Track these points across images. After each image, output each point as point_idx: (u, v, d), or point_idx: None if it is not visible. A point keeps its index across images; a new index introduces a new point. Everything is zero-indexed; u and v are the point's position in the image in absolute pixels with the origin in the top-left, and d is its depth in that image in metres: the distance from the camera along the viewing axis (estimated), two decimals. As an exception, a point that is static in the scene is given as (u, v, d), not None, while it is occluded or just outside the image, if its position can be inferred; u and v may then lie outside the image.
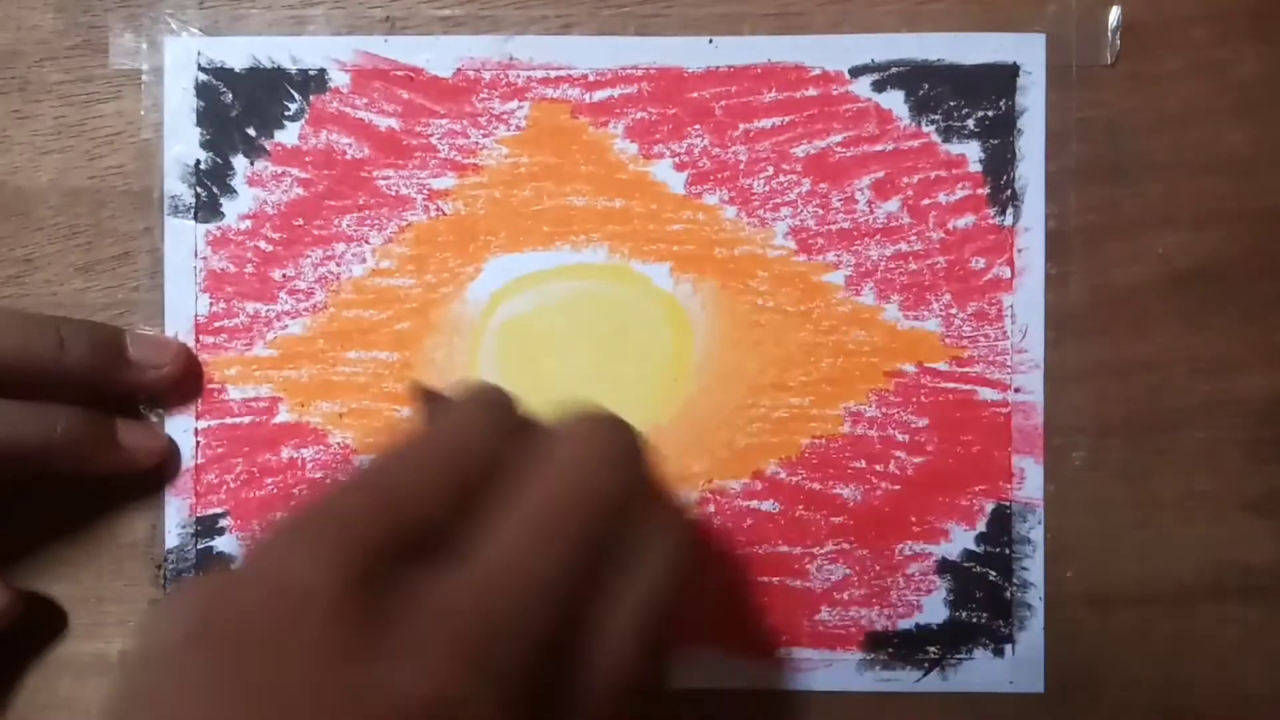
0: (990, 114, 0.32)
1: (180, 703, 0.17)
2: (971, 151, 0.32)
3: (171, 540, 0.32)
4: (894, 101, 0.32)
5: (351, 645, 0.17)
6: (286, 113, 0.32)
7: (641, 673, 0.20)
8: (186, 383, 0.32)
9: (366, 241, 0.32)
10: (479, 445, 0.21)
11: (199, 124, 0.32)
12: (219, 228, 0.32)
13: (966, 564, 0.32)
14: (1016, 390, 0.32)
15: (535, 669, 0.18)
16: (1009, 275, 0.32)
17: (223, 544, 0.32)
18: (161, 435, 0.32)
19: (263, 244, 0.32)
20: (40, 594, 0.32)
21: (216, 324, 0.32)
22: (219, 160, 0.32)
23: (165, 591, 0.32)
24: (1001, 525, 0.32)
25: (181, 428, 0.32)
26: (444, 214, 0.32)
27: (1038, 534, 0.32)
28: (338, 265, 0.32)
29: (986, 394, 0.32)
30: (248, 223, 0.32)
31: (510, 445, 0.21)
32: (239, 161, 0.32)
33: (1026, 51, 0.32)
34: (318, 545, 0.18)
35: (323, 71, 0.32)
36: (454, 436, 0.21)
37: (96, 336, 0.31)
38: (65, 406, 0.30)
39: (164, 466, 0.32)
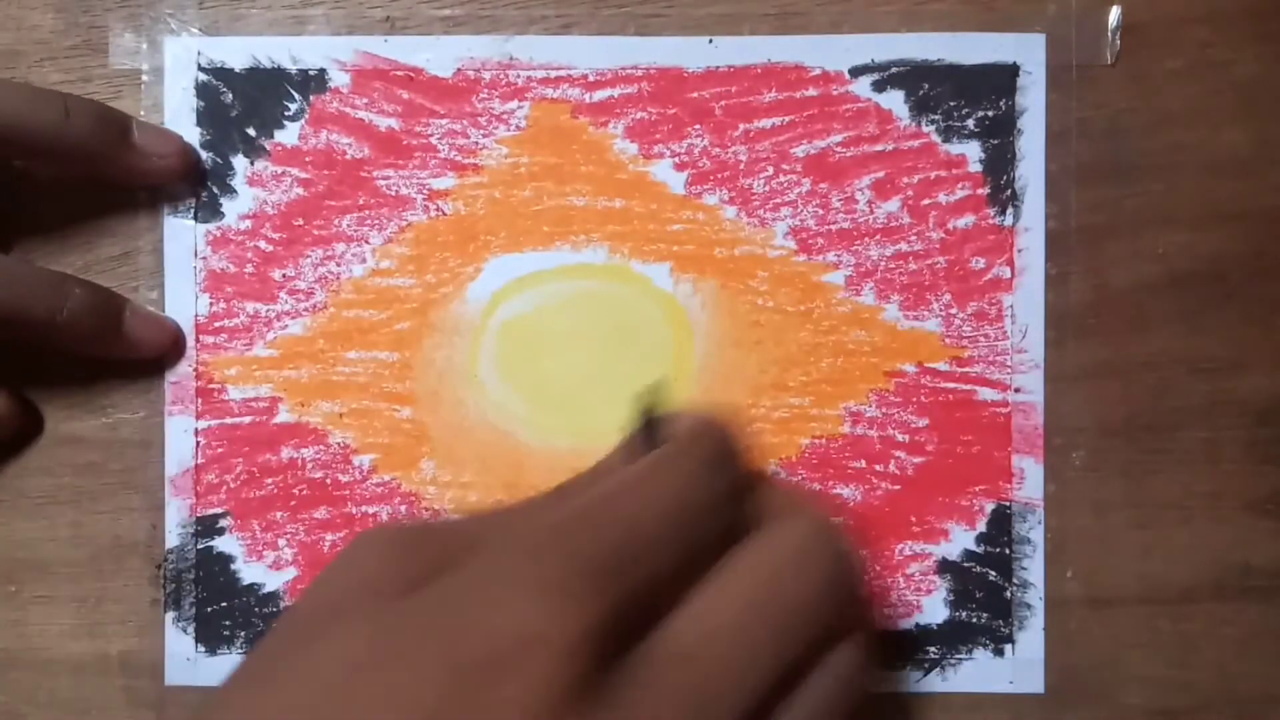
0: (990, 114, 0.32)
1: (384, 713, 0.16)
2: (971, 151, 0.32)
3: (171, 540, 0.32)
4: (894, 101, 0.32)
5: (582, 695, 0.16)
6: (286, 113, 0.32)
7: None
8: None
9: (366, 241, 0.32)
10: (710, 503, 0.20)
11: (199, 124, 0.32)
12: (219, 228, 0.32)
13: (966, 564, 0.32)
14: (1016, 390, 0.32)
15: None
16: (1009, 275, 0.32)
17: (223, 544, 0.32)
18: (167, 325, 0.32)
19: (263, 244, 0.32)
20: (41, 593, 0.32)
21: (216, 324, 0.32)
22: (219, 160, 0.32)
23: (165, 592, 0.32)
24: (1001, 525, 0.32)
25: (181, 428, 0.32)
26: (444, 214, 0.32)
27: (1038, 534, 0.32)
28: (338, 265, 0.32)
29: (986, 394, 0.32)
30: (248, 223, 0.32)
31: (738, 506, 0.21)
32: (239, 161, 0.32)
33: (1026, 51, 0.32)
34: (560, 594, 0.17)
35: (323, 71, 0.32)
36: (690, 489, 0.20)
37: (102, 113, 0.31)
38: (78, 281, 0.30)
39: (164, 361, 0.32)
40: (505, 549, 0.18)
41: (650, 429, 0.23)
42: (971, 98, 0.32)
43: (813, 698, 0.19)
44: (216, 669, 0.32)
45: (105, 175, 0.31)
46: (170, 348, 0.32)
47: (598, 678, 0.17)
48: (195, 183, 0.32)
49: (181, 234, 0.32)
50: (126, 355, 0.31)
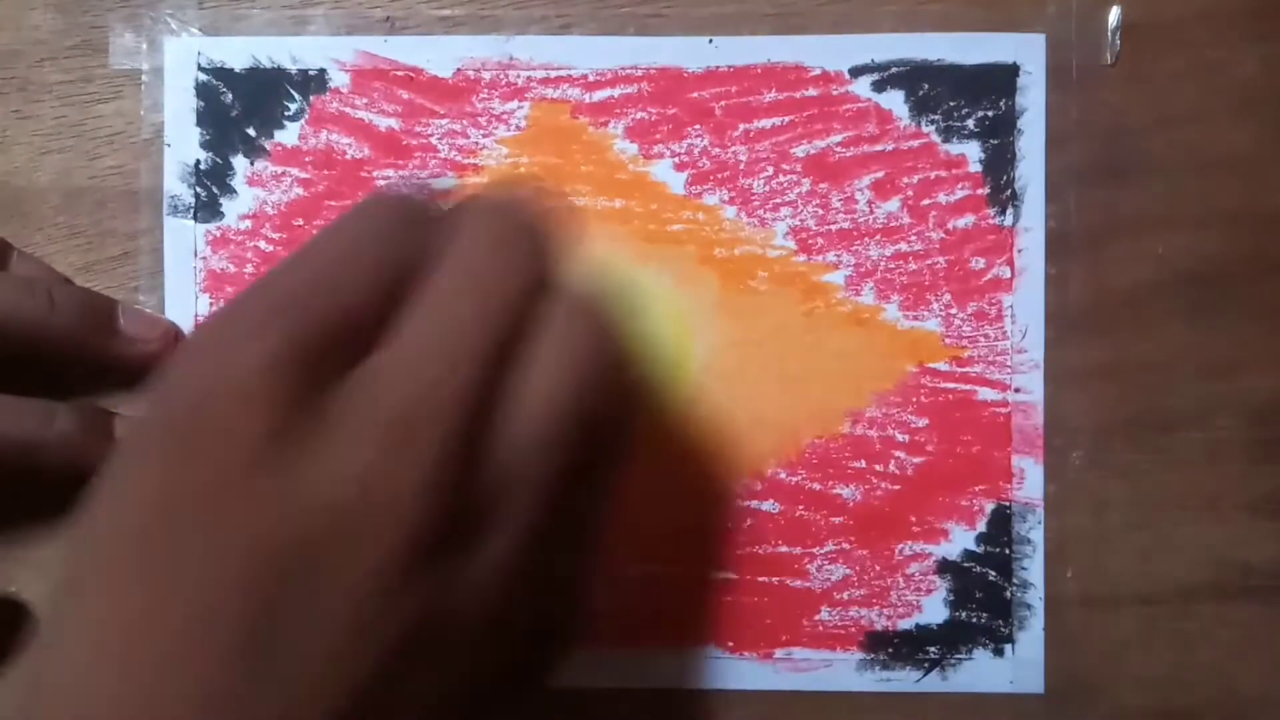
0: (990, 114, 0.32)
1: (118, 509, 0.17)
2: (971, 151, 0.32)
3: (171, 540, 0.32)
4: (894, 101, 0.32)
5: (282, 434, 0.17)
6: (286, 113, 0.32)
7: (565, 440, 0.20)
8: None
9: (366, 241, 0.32)
10: (400, 235, 0.21)
11: (199, 124, 0.32)
12: (219, 228, 0.32)
13: (966, 564, 0.32)
14: (1016, 390, 0.32)
15: (457, 447, 0.18)
16: (1009, 275, 0.32)
17: (223, 544, 0.32)
18: (163, 323, 0.32)
19: (263, 244, 0.32)
20: (40, 594, 0.32)
21: (216, 324, 0.32)
22: (219, 160, 0.32)
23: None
24: (1001, 525, 0.32)
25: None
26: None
27: (1038, 534, 0.32)
28: (338, 265, 0.32)
29: (986, 394, 0.32)
30: (248, 223, 0.32)
31: (426, 234, 0.21)
32: (239, 161, 0.32)
33: (1026, 51, 0.32)
34: (252, 330, 0.18)
35: (323, 71, 0.32)
36: (376, 226, 0.21)
37: (88, 303, 0.31)
38: (60, 403, 0.30)
39: None
40: (215, 318, 0.20)
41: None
42: (971, 98, 0.32)
43: (542, 365, 0.20)
44: (216, 669, 0.32)
45: (90, 361, 0.31)
46: (171, 346, 0.32)
47: (298, 412, 0.17)
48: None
49: (181, 234, 0.32)
50: (124, 355, 0.31)
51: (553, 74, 0.32)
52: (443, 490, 0.18)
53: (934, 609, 0.32)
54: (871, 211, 0.32)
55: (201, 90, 0.32)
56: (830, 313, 0.32)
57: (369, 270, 0.20)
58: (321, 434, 0.17)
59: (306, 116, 0.32)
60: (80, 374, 0.32)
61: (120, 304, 0.31)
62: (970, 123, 0.32)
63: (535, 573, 0.20)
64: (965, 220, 0.32)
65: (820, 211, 0.32)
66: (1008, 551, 0.32)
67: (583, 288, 0.22)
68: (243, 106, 0.32)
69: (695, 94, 0.32)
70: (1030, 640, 0.32)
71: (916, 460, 0.32)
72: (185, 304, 0.32)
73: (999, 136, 0.32)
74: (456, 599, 0.18)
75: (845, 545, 0.32)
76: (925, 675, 0.32)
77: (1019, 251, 0.32)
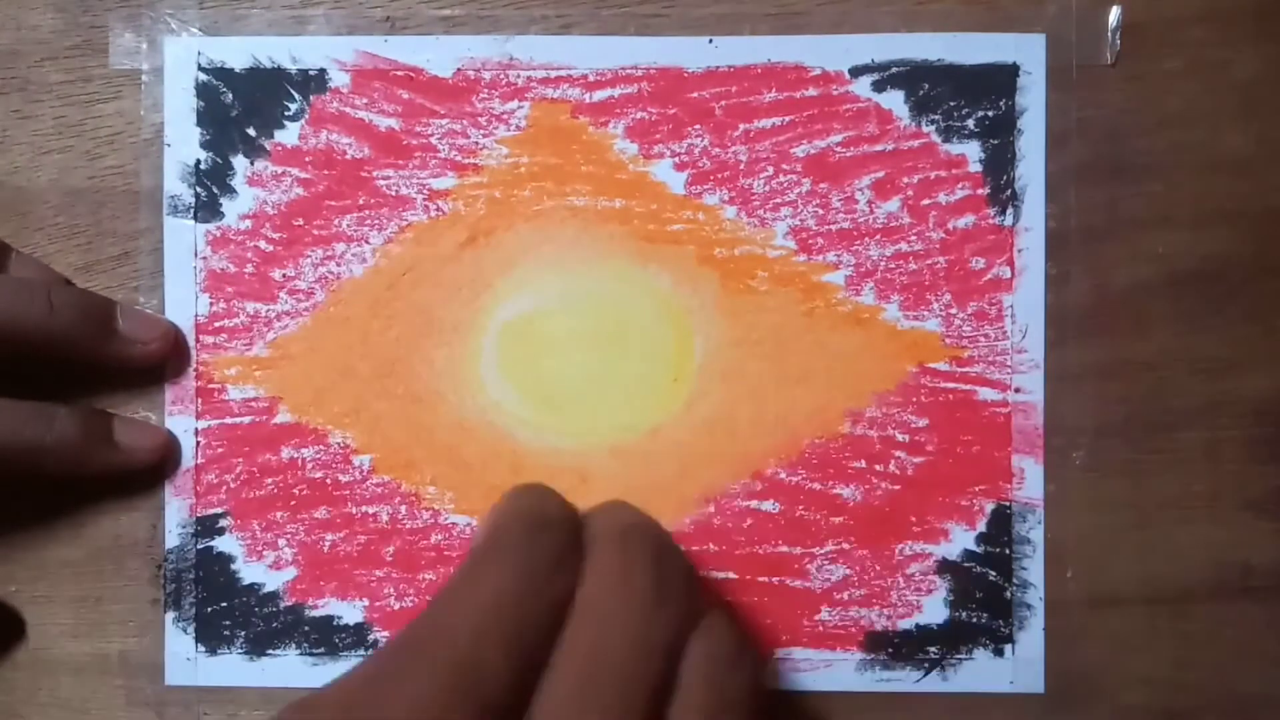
0: (990, 114, 0.32)
1: None
2: (971, 151, 0.32)
3: (171, 540, 0.32)
4: (894, 101, 0.32)
5: None
6: (286, 113, 0.32)
7: None
8: (174, 368, 0.32)
9: (366, 241, 0.32)
10: (540, 601, 0.21)
11: (199, 124, 0.32)
12: (219, 228, 0.32)
13: (966, 564, 0.32)
14: (1016, 390, 0.32)
15: None
16: (1009, 275, 0.32)
17: (223, 544, 0.32)
18: (160, 431, 0.32)
19: (263, 244, 0.32)
20: (41, 593, 0.32)
21: (216, 324, 0.32)
22: (219, 160, 0.32)
23: (165, 592, 0.32)
24: (1001, 525, 0.32)
25: (181, 428, 0.32)
26: (444, 214, 0.32)
27: (1038, 534, 0.32)
28: (338, 265, 0.32)
29: (986, 394, 0.32)
30: (248, 223, 0.32)
31: (566, 581, 0.21)
32: (239, 161, 0.32)
33: (1026, 51, 0.32)
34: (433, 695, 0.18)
35: (323, 71, 0.32)
36: (516, 593, 0.21)
37: (86, 304, 0.31)
38: (60, 406, 0.30)
39: (164, 464, 0.32)
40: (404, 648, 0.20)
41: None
42: (971, 98, 0.32)
43: (691, 688, 0.20)
44: (216, 669, 0.32)
45: (89, 362, 0.31)
46: (170, 346, 0.32)
47: None
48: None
49: (181, 234, 0.32)
50: (125, 354, 0.31)
51: (553, 74, 0.32)
52: None
53: (934, 609, 0.32)
54: (871, 211, 0.32)
55: (201, 90, 0.32)
56: (830, 313, 0.32)
57: (514, 654, 0.20)
58: None
59: (306, 116, 0.32)
60: (79, 374, 0.32)
61: (119, 305, 0.31)
62: (970, 123, 0.32)
63: None
64: (965, 220, 0.32)
65: (820, 211, 0.32)
66: (1008, 551, 0.32)
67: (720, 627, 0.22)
68: (243, 106, 0.32)
69: (695, 94, 0.32)
70: (1030, 640, 0.32)
71: (916, 460, 0.32)
72: (185, 304, 0.32)
73: (999, 136, 0.32)
74: None
75: (845, 545, 0.32)
76: (925, 675, 0.32)
77: (1019, 251, 0.32)
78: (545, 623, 0.20)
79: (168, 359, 0.32)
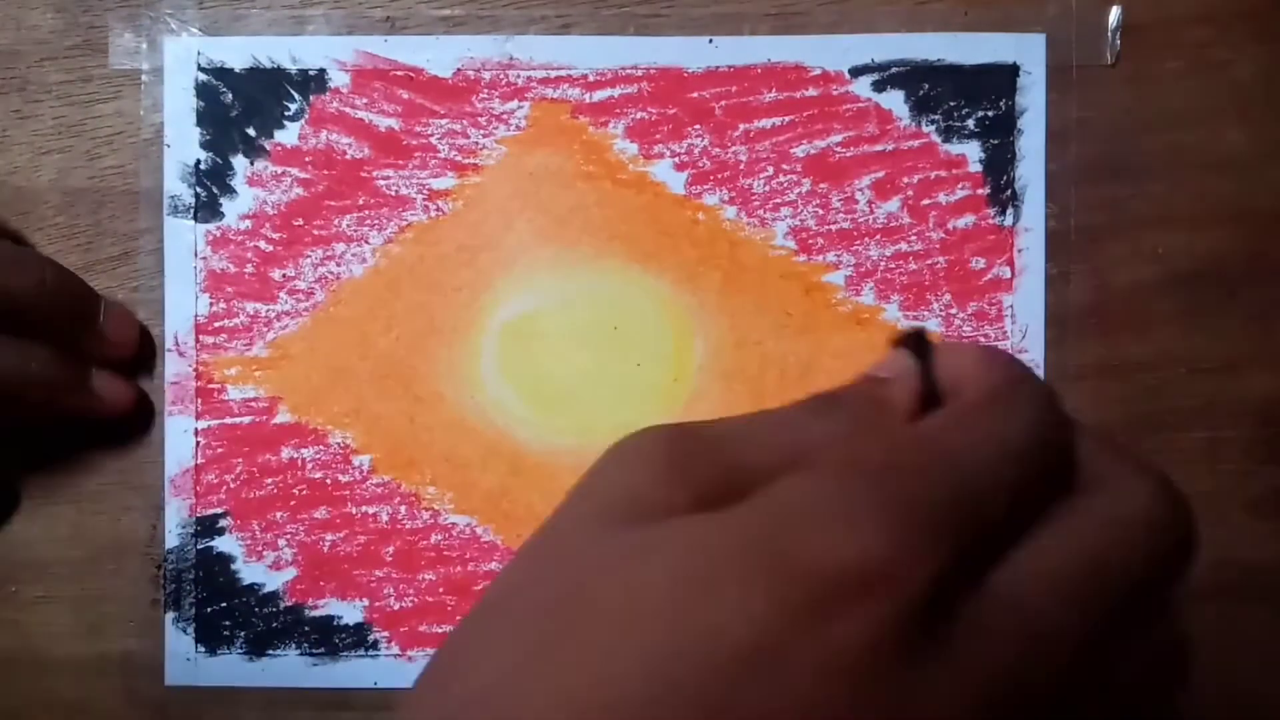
0: (990, 114, 0.32)
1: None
2: (971, 151, 0.32)
3: (171, 540, 0.32)
4: (894, 101, 0.32)
5: (910, 653, 0.16)
6: (286, 113, 0.32)
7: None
8: (138, 361, 0.32)
9: (366, 241, 0.32)
10: (1044, 450, 0.19)
11: (199, 124, 0.32)
12: (219, 228, 0.32)
13: (966, 564, 0.32)
14: (1016, 390, 0.32)
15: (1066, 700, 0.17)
16: (1009, 275, 0.32)
17: (223, 544, 0.32)
18: (132, 385, 0.32)
19: (263, 244, 0.32)
20: (41, 593, 0.32)
21: (216, 324, 0.32)
22: (219, 160, 0.32)
23: (165, 592, 0.32)
24: (1001, 525, 0.32)
25: (181, 428, 0.32)
26: (444, 214, 0.32)
27: (1038, 534, 0.32)
28: (338, 265, 0.32)
29: (986, 394, 0.32)
30: (248, 223, 0.32)
31: (1063, 455, 0.20)
32: (239, 161, 0.32)
33: (1026, 51, 0.32)
34: (906, 530, 0.16)
35: (323, 71, 0.32)
36: (1026, 433, 0.19)
37: (78, 293, 0.31)
38: (43, 346, 0.30)
39: (135, 420, 0.32)
40: (838, 471, 0.17)
41: (921, 352, 0.21)
42: (971, 98, 0.32)
43: (1141, 663, 0.19)
44: (216, 669, 0.32)
45: (63, 346, 0.31)
46: (137, 349, 0.32)
47: (932, 624, 0.16)
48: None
49: (181, 234, 0.32)
50: (97, 350, 0.31)
51: (553, 74, 0.32)
52: None
53: (934, 609, 0.32)
54: (871, 211, 0.32)
55: (201, 90, 0.32)
56: (830, 313, 0.32)
57: (1020, 483, 0.18)
58: (947, 651, 0.16)
59: (306, 116, 0.32)
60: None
61: (103, 300, 0.31)
62: (970, 123, 0.32)
63: None
64: (965, 220, 0.32)
65: (820, 211, 0.32)
66: (1008, 551, 0.32)
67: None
68: (243, 106, 0.32)
69: (695, 94, 0.32)
70: None
71: (916, 460, 0.32)
72: (185, 304, 0.32)
73: (999, 136, 0.32)
74: None
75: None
76: (925, 675, 0.32)
77: (1019, 251, 0.32)
78: (1041, 482, 0.19)
79: (133, 362, 0.32)
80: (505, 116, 0.32)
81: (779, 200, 0.32)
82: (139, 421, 0.32)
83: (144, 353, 0.32)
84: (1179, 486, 0.20)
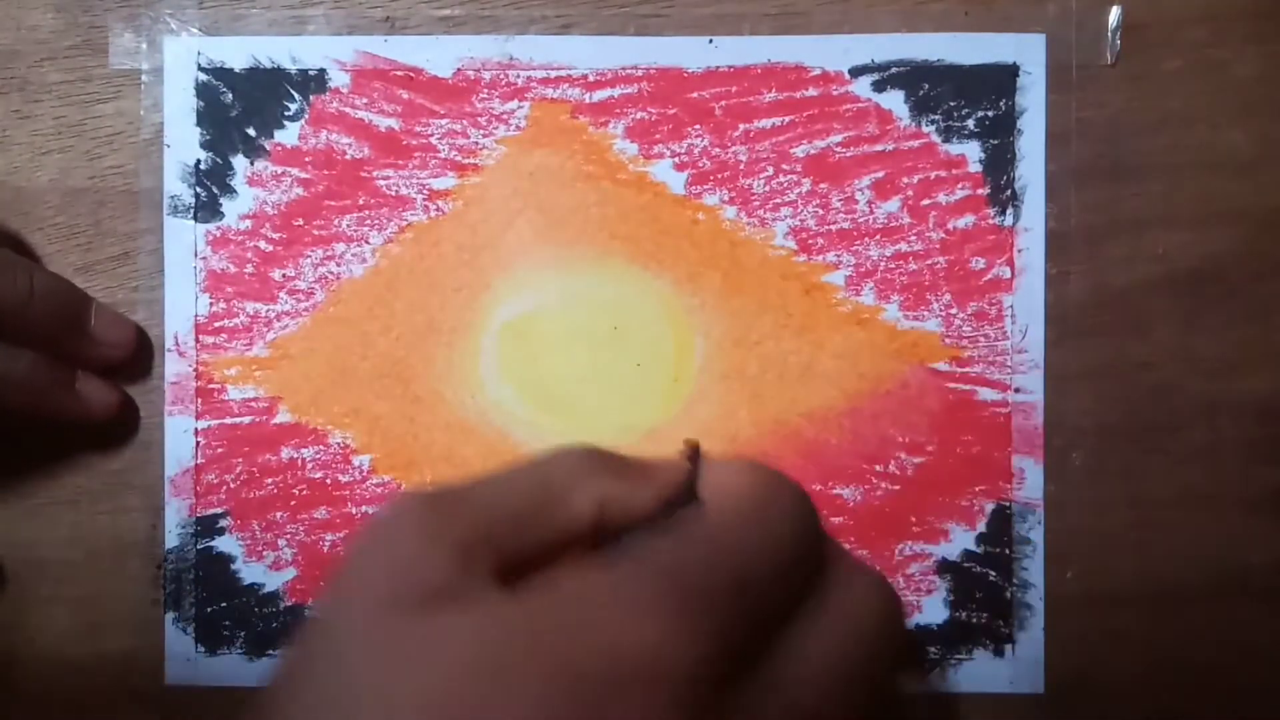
0: (990, 114, 0.32)
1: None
2: (971, 152, 0.32)
3: (171, 540, 0.32)
4: (894, 101, 0.32)
5: None
6: (286, 113, 0.32)
7: None
8: (137, 372, 0.32)
9: (366, 241, 0.32)
10: (808, 548, 0.21)
11: (199, 124, 0.32)
12: (219, 228, 0.32)
13: (966, 564, 0.32)
14: (1016, 390, 0.32)
15: None
16: (1009, 275, 0.32)
17: (223, 544, 0.32)
18: (118, 389, 0.32)
19: (263, 244, 0.32)
20: (41, 593, 0.32)
21: (216, 324, 0.32)
22: (219, 160, 0.32)
23: (165, 592, 0.32)
24: (1001, 525, 0.32)
25: (181, 428, 0.32)
26: (444, 214, 0.32)
27: (1038, 534, 0.32)
28: (338, 265, 0.32)
29: (986, 394, 0.32)
30: (248, 223, 0.32)
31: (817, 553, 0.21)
32: (239, 161, 0.32)
33: (1026, 51, 0.32)
34: (683, 618, 0.17)
35: (323, 71, 0.32)
36: (797, 532, 0.20)
37: (66, 297, 0.31)
38: (27, 351, 0.30)
39: (122, 425, 0.32)
40: (629, 564, 0.18)
41: (693, 463, 0.23)
42: (971, 98, 0.32)
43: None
44: (216, 669, 0.32)
45: (53, 354, 0.31)
46: (134, 350, 0.32)
47: (710, 707, 0.17)
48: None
49: (181, 234, 0.32)
50: (91, 355, 0.31)
51: (553, 74, 0.32)
52: None
53: (934, 609, 0.32)
54: (871, 211, 0.32)
55: (201, 90, 0.32)
56: (830, 313, 0.32)
57: (788, 576, 0.20)
58: None
59: (306, 116, 0.32)
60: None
61: (94, 303, 0.31)
62: (970, 123, 0.32)
63: None
64: (965, 220, 0.32)
65: (820, 211, 0.32)
66: (1008, 552, 0.32)
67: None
68: (243, 106, 0.32)
69: (695, 94, 0.32)
70: (1030, 640, 0.32)
71: (916, 460, 0.32)
72: (185, 304, 0.32)
73: (999, 136, 0.32)
74: None
75: (845, 545, 0.32)
76: (925, 675, 0.32)
77: (1019, 251, 0.32)
78: (801, 577, 0.21)
79: (129, 364, 0.32)
80: (505, 116, 0.32)
81: (779, 200, 0.32)
82: (127, 424, 0.32)
83: (141, 354, 0.32)
84: (891, 585, 0.22)
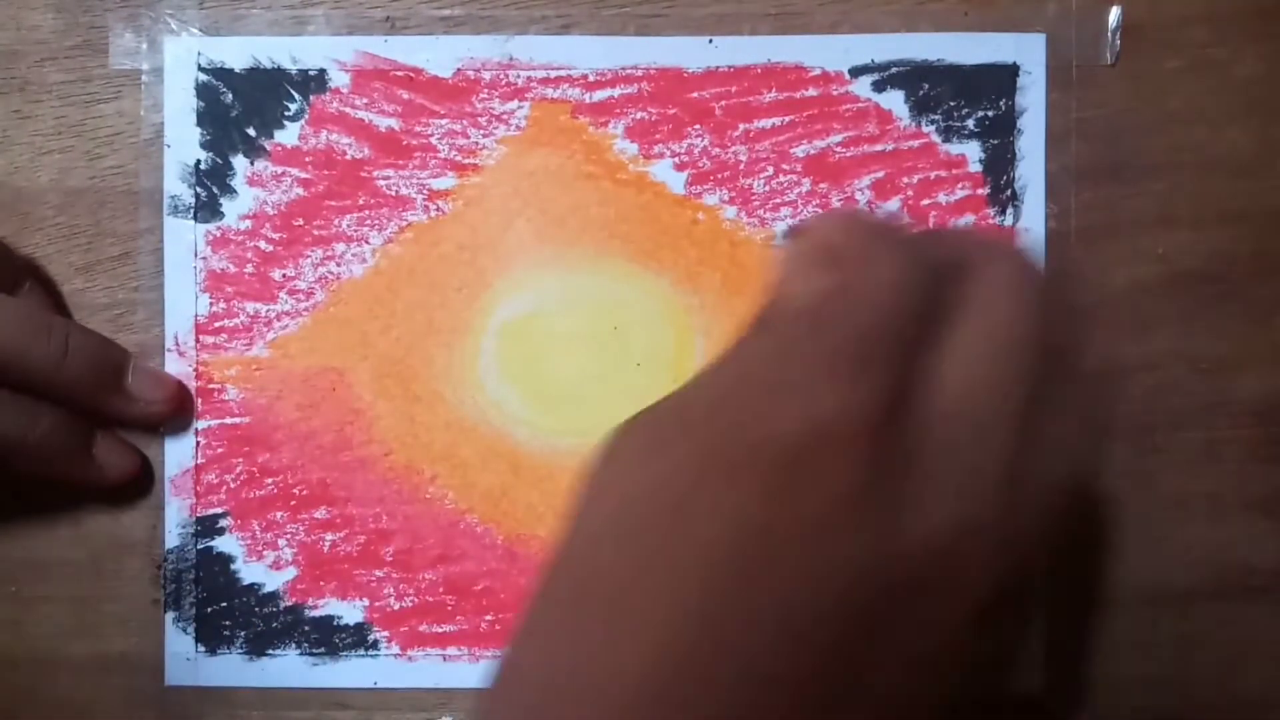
0: (990, 114, 0.32)
1: (712, 530, 0.17)
2: (971, 151, 0.32)
3: (171, 540, 0.32)
4: (894, 101, 0.32)
5: (877, 478, 0.17)
6: (286, 113, 0.32)
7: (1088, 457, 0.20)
8: (176, 425, 0.32)
9: (366, 241, 0.32)
10: (924, 267, 0.20)
11: (199, 124, 0.32)
12: (219, 228, 0.32)
13: (966, 564, 0.32)
14: (1016, 390, 0.32)
15: (1007, 482, 0.18)
16: (1009, 275, 0.32)
17: (223, 544, 0.32)
18: (135, 455, 0.32)
19: (263, 244, 0.32)
20: (41, 593, 0.32)
21: (216, 324, 0.32)
22: (219, 160, 0.32)
23: (165, 592, 0.32)
24: (1001, 525, 0.32)
25: (181, 428, 0.32)
26: (444, 214, 0.32)
27: (1038, 534, 0.32)
28: (338, 265, 0.32)
29: (986, 394, 0.32)
30: (248, 223, 0.32)
31: (936, 263, 0.20)
32: (239, 161, 0.32)
33: (1026, 51, 0.32)
34: (849, 372, 0.18)
35: (323, 72, 0.32)
36: (905, 258, 0.20)
37: (101, 356, 0.31)
38: (49, 407, 0.30)
39: (137, 481, 0.32)
40: (772, 336, 0.19)
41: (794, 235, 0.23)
42: (971, 98, 0.32)
43: (1068, 415, 0.20)
44: (216, 669, 0.32)
45: (89, 411, 0.31)
46: (175, 407, 0.32)
47: (890, 452, 0.17)
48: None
49: (181, 234, 0.32)
50: (128, 412, 0.31)
51: (553, 74, 0.32)
52: (1026, 540, 0.18)
53: (934, 609, 0.32)
54: (871, 211, 0.32)
55: (201, 90, 0.32)
56: (830, 313, 0.32)
57: (918, 303, 0.19)
58: (908, 477, 0.17)
59: (306, 116, 0.32)
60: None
61: (132, 360, 0.31)
62: (970, 123, 0.32)
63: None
64: (965, 220, 0.32)
65: (820, 211, 0.32)
66: (1008, 551, 0.32)
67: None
68: (243, 106, 0.32)
69: (695, 94, 0.32)
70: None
71: (916, 460, 0.32)
72: (185, 304, 0.32)
73: (999, 136, 0.32)
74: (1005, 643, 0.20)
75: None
76: (925, 675, 0.32)
77: (1019, 251, 0.32)
78: (932, 297, 0.20)
79: (170, 419, 0.32)
80: (505, 116, 0.32)
81: (779, 200, 0.32)
82: (142, 483, 0.32)
83: (185, 405, 0.32)
84: (1032, 267, 0.21)
